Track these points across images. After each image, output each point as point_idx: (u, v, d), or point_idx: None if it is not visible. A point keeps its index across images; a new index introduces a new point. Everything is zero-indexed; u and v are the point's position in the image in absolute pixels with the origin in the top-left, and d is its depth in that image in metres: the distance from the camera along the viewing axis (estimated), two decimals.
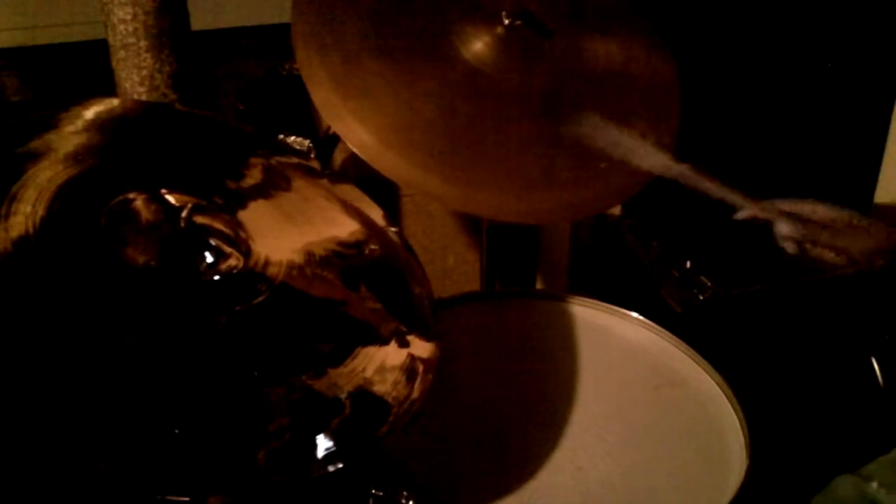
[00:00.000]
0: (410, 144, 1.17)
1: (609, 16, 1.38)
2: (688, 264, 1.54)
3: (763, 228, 1.21)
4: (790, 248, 1.18)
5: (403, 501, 0.97)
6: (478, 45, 1.24)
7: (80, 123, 1.02)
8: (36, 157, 0.94)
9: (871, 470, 1.05)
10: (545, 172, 1.22)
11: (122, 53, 1.41)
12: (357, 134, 1.15)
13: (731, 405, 1.15)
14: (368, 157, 1.14)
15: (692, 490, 1.06)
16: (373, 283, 1.03)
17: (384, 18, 1.23)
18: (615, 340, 1.28)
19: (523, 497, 1.03)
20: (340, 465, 0.83)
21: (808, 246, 1.18)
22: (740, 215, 1.20)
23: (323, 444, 0.84)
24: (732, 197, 1.18)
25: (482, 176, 1.19)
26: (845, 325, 1.51)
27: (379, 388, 0.91)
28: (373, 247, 1.09)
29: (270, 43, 1.89)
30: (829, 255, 1.18)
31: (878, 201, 1.79)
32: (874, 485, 1.03)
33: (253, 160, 1.12)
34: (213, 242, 0.95)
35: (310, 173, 1.18)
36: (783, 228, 1.18)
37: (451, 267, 1.79)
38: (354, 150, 1.14)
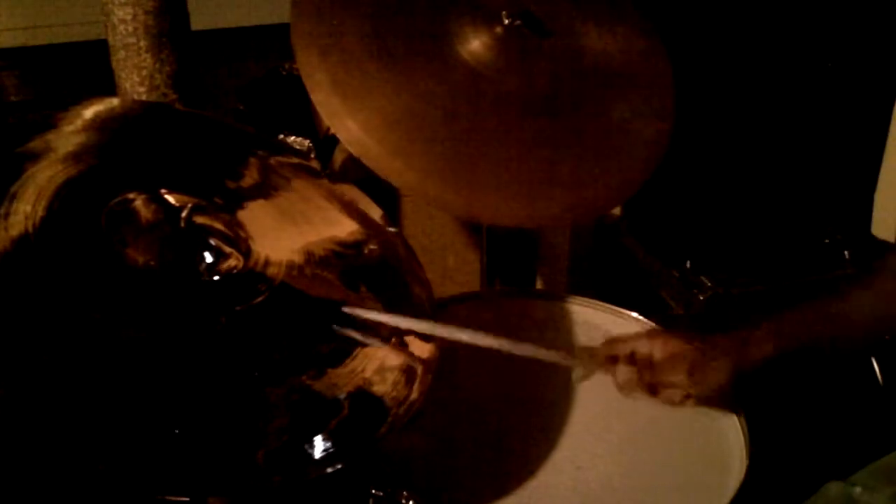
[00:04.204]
0: (412, 149, 1.16)
1: (608, 15, 1.38)
2: (688, 264, 1.54)
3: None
4: (633, 394, 1.05)
5: (403, 501, 0.97)
6: (477, 46, 1.23)
7: (79, 123, 1.02)
8: (36, 156, 0.94)
9: (857, 477, 1.06)
10: (546, 174, 1.21)
11: (122, 53, 1.41)
12: (358, 137, 1.14)
13: (731, 405, 1.15)
14: (369, 161, 1.14)
15: (692, 490, 1.06)
16: (372, 283, 1.03)
17: (384, 20, 1.22)
18: None
19: (523, 497, 1.03)
20: (339, 466, 0.83)
21: (660, 391, 1.05)
22: (575, 378, 1.08)
23: (322, 444, 0.84)
24: (556, 357, 1.06)
25: (483, 181, 1.18)
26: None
27: (378, 389, 0.91)
28: (372, 247, 1.09)
29: (270, 43, 1.89)
30: (677, 396, 1.05)
31: (877, 202, 1.79)
32: (857, 489, 1.03)
33: (252, 160, 1.12)
34: (212, 242, 0.95)
35: (309, 173, 1.18)
36: (621, 375, 1.05)
37: (451, 267, 1.79)
38: (355, 154, 1.14)
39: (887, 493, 1.02)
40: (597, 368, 1.06)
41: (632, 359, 1.05)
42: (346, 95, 1.16)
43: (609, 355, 1.07)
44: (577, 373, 1.09)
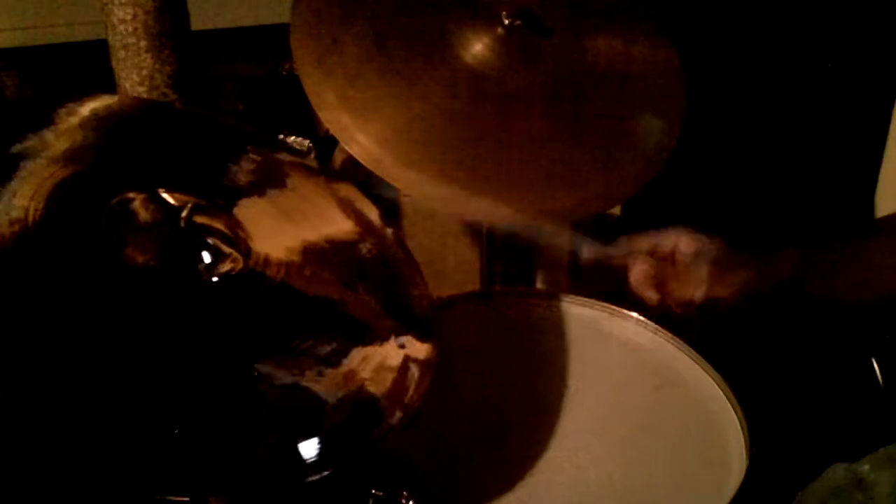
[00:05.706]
0: (424, 156, 1.16)
1: (611, 13, 1.38)
2: None
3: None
4: (649, 297, 1.01)
5: (403, 501, 0.97)
6: (478, 47, 1.23)
7: (76, 121, 1.02)
8: (33, 155, 0.94)
9: (866, 458, 1.05)
10: (552, 172, 1.21)
11: (122, 53, 1.41)
12: (370, 151, 1.14)
13: (731, 405, 1.15)
14: (383, 173, 1.14)
15: (692, 490, 1.06)
16: (370, 282, 1.03)
17: (384, 33, 1.22)
18: (615, 340, 1.28)
19: (523, 497, 1.03)
20: (336, 469, 0.83)
21: (670, 292, 1.01)
22: (584, 257, 1.04)
23: (318, 446, 0.83)
24: (576, 239, 1.03)
25: (493, 181, 1.18)
26: (845, 325, 1.51)
27: (376, 390, 0.90)
28: (370, 246, 1.08)
29: (270, 43, 1.89)
30: (687, 297, 1.00)
31: (878, 202, 1.79)
32: (866, 467, 1.02)
33: (251, 158, 1.12)
34: (211, 242, 0.95)
35: (308, 172, 1.18)
36: (637, 268, 1.00)
37: (451, 267, 1.79)
38: (369, 168, 1.14)
39: (893, 473, 1.01)
40: (619, 259, 1.02)
41: (652, 254, 1.02)
42: (353, 110, 1.16)
43: (629, 250, 1.03)
44: (586, 254, 1.05)
